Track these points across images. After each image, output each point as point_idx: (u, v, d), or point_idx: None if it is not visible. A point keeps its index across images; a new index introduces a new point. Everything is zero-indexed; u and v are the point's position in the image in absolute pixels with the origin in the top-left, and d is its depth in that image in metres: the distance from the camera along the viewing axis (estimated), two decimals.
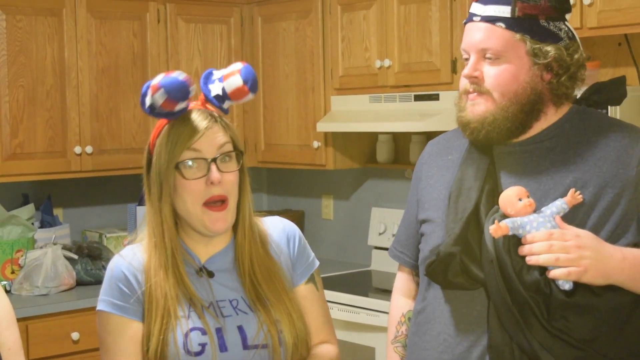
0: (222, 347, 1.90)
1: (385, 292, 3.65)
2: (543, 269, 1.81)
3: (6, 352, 2.17)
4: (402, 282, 2.25)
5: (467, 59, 1.98)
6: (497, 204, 1.89)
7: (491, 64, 1.93)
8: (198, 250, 1.98)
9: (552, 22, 1.93)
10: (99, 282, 3.41)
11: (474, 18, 1.96)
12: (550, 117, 1.97)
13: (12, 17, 4.00)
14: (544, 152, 1.95)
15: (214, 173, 1.89)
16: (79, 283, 4.11)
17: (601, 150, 1.91)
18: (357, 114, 4.11)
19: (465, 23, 2.01)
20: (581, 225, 1.85)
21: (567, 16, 1.98)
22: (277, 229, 2.08)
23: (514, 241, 1.84)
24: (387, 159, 4.41)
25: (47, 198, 4.39)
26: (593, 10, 3.16)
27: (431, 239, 2.02)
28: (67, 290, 4.03)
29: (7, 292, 3.87)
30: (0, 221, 4.07)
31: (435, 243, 1.98)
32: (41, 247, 4.10)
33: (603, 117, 2.02)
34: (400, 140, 4.43)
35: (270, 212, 2.85)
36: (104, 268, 3.76)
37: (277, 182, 5.19)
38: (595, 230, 1.85)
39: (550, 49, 1.91)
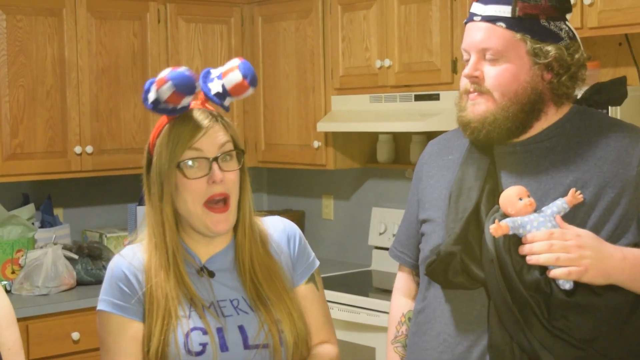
0: (223, 347, 1.90)
1: (386, 292, 3.65)
2: (543, 269, 1.81)
3: (6, 352, 2.17)
4: (403, 282, 2.25)
5: (467, 59, 1.98)
6: (498, 203, 1.89)
7: (492, 63, 1.93)
8: (198, 250, 1.98)
9: (553, 21, 1.93)
10: (99, 282, 3.41)
11: (475, 18, 1.96)
12: (551, 117, 1.97)
13: (12, 17, 4.00)
14: (545, 151, 1.94)
15: (216, 172, 1.89)
16: (79, 283, 4.11)
17: (602, 150, 1.91)
18: (358, 113, 4.11)
19: (465, 23, 2.01)
20: (582, 225, 1.85)
21: (568, 16, 1.98)
22: (277, 228, 2.08)
23: (515, 241, 1.84)
24: (388, 159, 4.41)
25: (47, 198, 4.39)
26: (593, 10, 3.16)
27: (431, 238, 2.02)
28: (68, 290, 4.03)
29: (8, 292, 3.87)
30: (1, 221, 4.07)
31: (435, 243, 1.98)
32: (41, 247, 4.10)
33: (604, 117, 2.02)
34: (400, 140, 4.43)
35: (271, 212, 2.85)
36: (104, 268, 3.77)
37: (278, 182, 5.19)
38: (596, 230, 1.85)
39: (550, 48, 1.91)
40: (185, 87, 1.84)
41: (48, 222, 4.32)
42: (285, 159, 4.59)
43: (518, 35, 1.91)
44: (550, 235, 1.80)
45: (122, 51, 4.31)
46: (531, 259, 1.81)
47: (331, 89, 4.31)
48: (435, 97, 3.80)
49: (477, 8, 1.97)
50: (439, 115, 3.70)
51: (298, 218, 4.86)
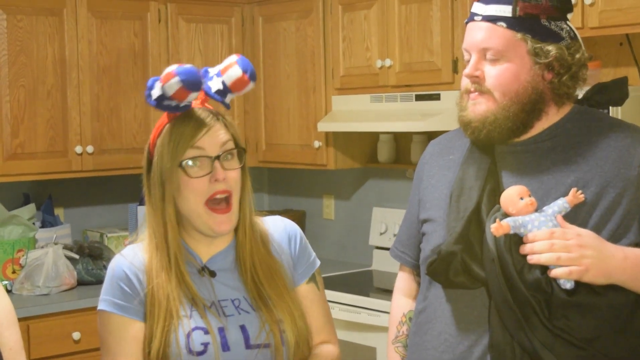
0: (225, 347, 1.90)
1: (386, 292, 3.65)
2: (544, 268, 1.81)
3: (7, 352, 2.16)
4: (403, 282, 2.25)
5: (468, 59, 1.98)
6: (499, 203, 1.89)
7: (492, 63, 1.93)
8: (200, 250, 1.98)
9: (554, 21, 1.93)
10: (100, 281, 3.42)
11: (475, 17, 1.96)
12: (552, 116, 1.97)
13: (12, 16, 4.00)
14: (546, 151, 1.94)
15: (219, 170, 1.90)
16: (80, 283, 4.11)
17: (603, 150, 1.91)
18: (358, 113, 4.11)
19: (466, 22, 2.01)
20: (583, 224, 1.85)
21: (569, 16, 1.98)
22: (278, 228, 2.08)
23: (516, 240, 1.84)
24: (388, 159, 4.41)
25: (48, 198, 4.39)
26: (594, 10, 3.16)
27: (432, 238, 2.02)
28: (68, 290, 4.03)
29: (8, 291, 3.87)
30: (1, 221, 4.07)
31: (436, 242, 1.98)
32: (42, 247, 4.10)
33: (605, 117, 2.02)
34: (401, 140, 4.43)
35: (271, 212, 2.85)
36: (105, 268, 3.76)
37: (278, 182, 5.19)
38: (597, 229, 1.85)
39: (551, 48, 1.91)
40: (193, 83, 1.84)
41: (49, 222, 4.32)
42: (286, 159, 4.59)
43: (519, 35, 1.91)
44: (551, 235, 1.80)
45: (122, 51, 4.31)
46: (532, 259, 1.81)
47: (332, 88, 4.31)
48: (436, 97, 3.80)
49: (478, 8, 1.97)
50: (440, 115, 3.70)
51: (299, 218, 4.86)
